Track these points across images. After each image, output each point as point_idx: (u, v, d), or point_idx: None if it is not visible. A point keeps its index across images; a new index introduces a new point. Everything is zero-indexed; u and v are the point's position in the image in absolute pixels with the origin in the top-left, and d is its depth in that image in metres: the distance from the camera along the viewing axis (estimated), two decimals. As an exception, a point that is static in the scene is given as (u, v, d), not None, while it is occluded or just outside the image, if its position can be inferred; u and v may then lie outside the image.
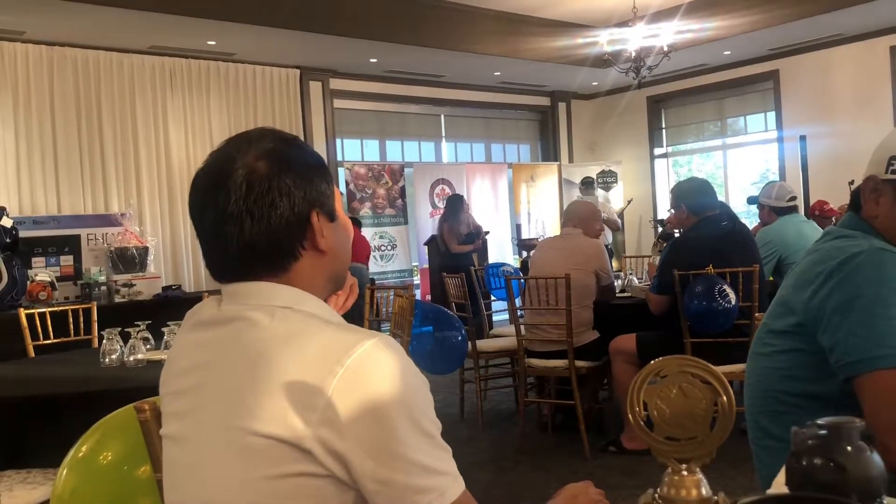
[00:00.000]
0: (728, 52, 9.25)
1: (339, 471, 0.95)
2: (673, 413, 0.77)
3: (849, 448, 0.73)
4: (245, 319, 1.04)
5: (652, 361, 0.79)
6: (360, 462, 0.94)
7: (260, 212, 1.05)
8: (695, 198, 4.12)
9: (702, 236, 4.03)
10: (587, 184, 9.28)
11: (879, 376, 1.37)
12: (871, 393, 1.39)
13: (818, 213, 6.01)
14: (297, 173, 1.09)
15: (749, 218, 7.09)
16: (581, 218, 4.63)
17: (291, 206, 1.07)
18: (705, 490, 0.74)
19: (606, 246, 8.78)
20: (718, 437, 0.75)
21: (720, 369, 3.18)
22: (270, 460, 0.95)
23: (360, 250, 7.39)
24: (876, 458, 0.73)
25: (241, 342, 1.03)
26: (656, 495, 0.76)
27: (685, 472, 0.74)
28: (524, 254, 8.43)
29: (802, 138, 8.98)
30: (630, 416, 0.78)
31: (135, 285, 6.03)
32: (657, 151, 10.99)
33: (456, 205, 8.01)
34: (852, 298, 1.43)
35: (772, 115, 9.75)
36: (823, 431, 0.74)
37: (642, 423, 0.77)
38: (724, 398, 0.76)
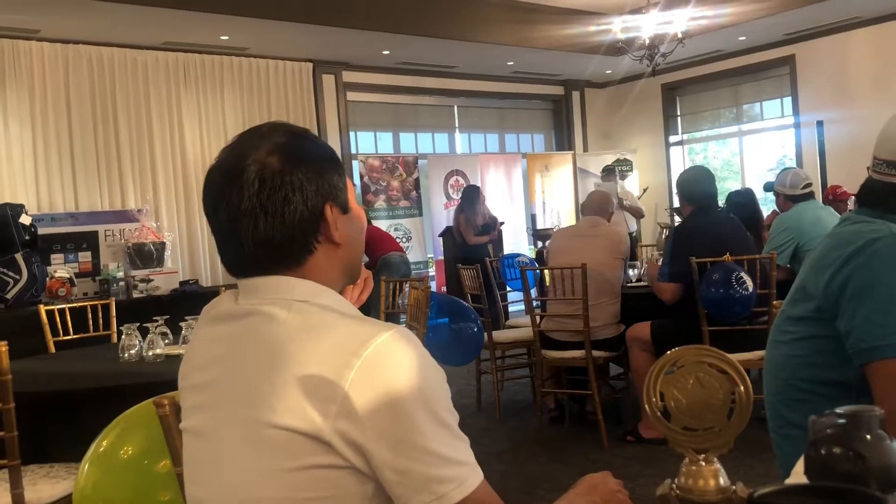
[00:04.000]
0: (743, 38, 9.16)
1: (359, 462, 0.95)
2: (689, 403, 0.76)
3: (868, 437, 0.72)
4: (262, 314, 1.05)
5: (668, 352, 0.79)
6: (378, 453, 0.94)
7: (273, 207, 1.05)
8: (687, 187, 4.21)
9: (703, 224, 4.06)
10: (608, 171, 9.18)
11: (892, 364, 1.36)
12: (882, 380, 1.37)
13: (832, 197, 5.95)
14: (310, 167, 1.09)
15: (766, 205, 7.03)
16: (605, 208, 4.72)
17: (305, 200, 1.07)
18: (723, 480, 0.74)
19: (631, 234, 8.77)
20: (736, 426, 0.74)
21: (737, 357, 3.16)
22: (290, 453, 0.95)
23: (388, 240, 7.42)
24: (896, 446, 0.72)
25: (258, 336, 1.03)
26: (674, 485, 0.76)
27: (703, 462, 0.74)
28: (539, 244, 8.40)
29: (819, 124, 8.89)
30: (647, 406, 0.78)
31: (152, 280, 6.07)
32: (672, 139, 10.92)
33: (472, 196, 7.99)
34: (870, 284, 1.41)
35: (788, 101, 9.66)
36: (842, 420, 0.74)
37: (659, 413, 0.77)
38: (742, 388, 0.75)
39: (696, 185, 4.18)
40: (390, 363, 0.96)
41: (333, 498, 0.97)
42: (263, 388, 0.98)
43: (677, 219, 9.76)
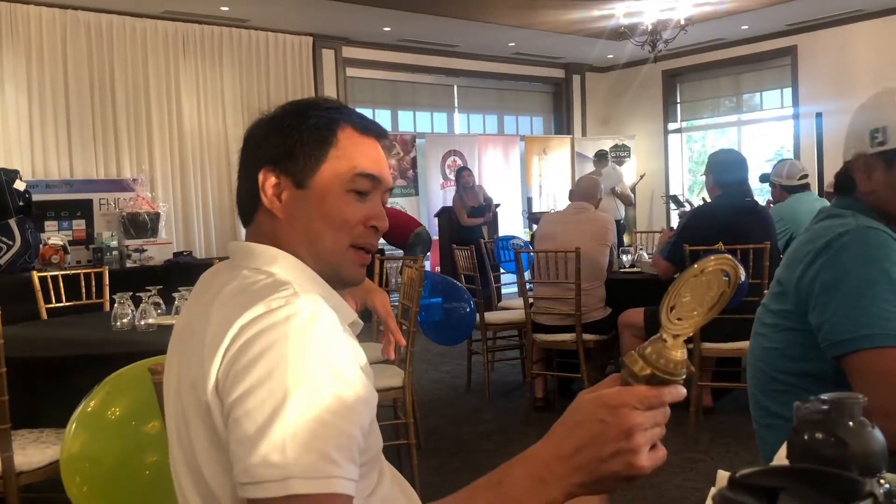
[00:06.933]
0: (746, 27, 9.13)
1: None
2: (692, 300, 0.81)
3: (850, 423, 0.73)
4: (214, 282, 1.06)
5: (697, 263, 0.81)
6: (230, 417, 0.89)
7: (240, 161, 1.14)
8: (721, 171, 4.14)
9: (721, 209, 4.05)
10: (601, 156, 9.21)
11: (865, 356, 1.38)
12: (857, 373, 1.39)
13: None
14: (273, 129, 1.10)
15: (761, 195, 7.04)
16: (592, 194, 4.71)
17: (250, 157, 1.11)
18: (683, 353, 0.80)
19: (619, 221, 8.80)
20: (711, 314, 0.80)
21: (729, 346, 3.20)
22: (199, 420, 0.95)
23: (409, 217, 7.91)
24: (877, 433, 0.74)
25: (200, 307, 1.03)
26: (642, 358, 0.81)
27: (672, 340, 0.80)
28: (534, 227, 8.42)
29: (818, 115, 8.88)
30: (664, 303, 0.81)
31: (146, 251, 6.06)
32: (671, 126, 10.91)
33: (457, 178, 8.11)
34: (839, 278, 1.43)
35: (788, 92, 9.65)
36: (825, 406, 0.75)
37: (668, 311, 0.81)
38: (728, 290, 0.80)
39: (729, 172, 4.10)
40: (275, 339, 0.89)
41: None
42: (191, 362, 0.97)
43: (672, 206, 9.77)
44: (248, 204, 1.11)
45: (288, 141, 1.08)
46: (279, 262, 1.05)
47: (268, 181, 1.08)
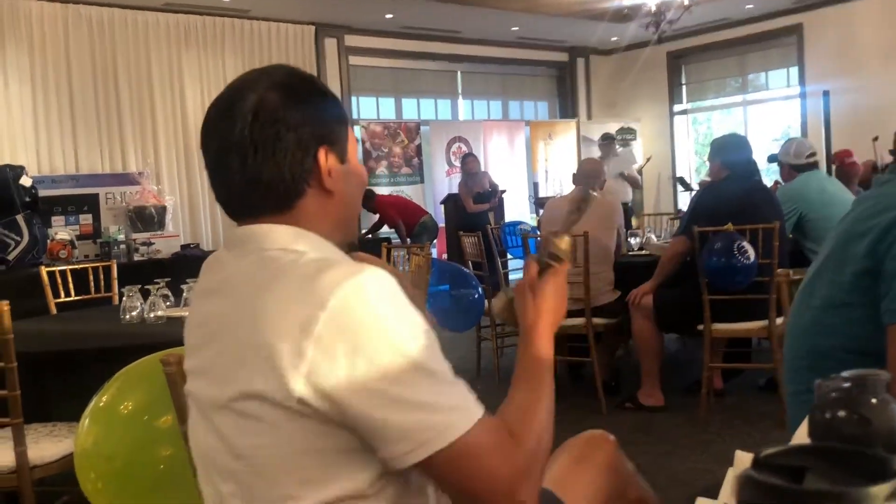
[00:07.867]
0: (751, 6, 9.05)
1: (335, 414, 0.92)
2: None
3: (873, 400, 0.72)
4: (238, 267, 1.03)
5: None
6: (355, 405, 0.91)
7: (263, 143, 1.02)
8: (729, 152, 4.17)
9: (729, 189, 4.04)
10: (607, 139, 9.07)
11: None
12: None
13: (837, 163, 5.81)
14: (309, 107, 1.06)
15: (769, 175, 6.99)
16: (596, 176, 4.67)
17: (298, 139, 1.03)
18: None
19: (627, 204, 8.74)
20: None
21: (739, 326, 3.18)
22: (263, 420, 0.93)
23: (416, 206, 8.06)
24: (901, 410, 0.72)
25: (231, 293, 1.01)
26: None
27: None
28: (541, 212, 8.39)
29: (826, 94, 8.81)
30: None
31: (153, 244, 6.07)
32: (677, 108, 10.84)
33: (461, 165, 8.15)
34: None
35: (794, 71, 9.57)
36: (847, 384, 0.74)
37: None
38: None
39: (735, 153, 4.16)
40: (359, 312, 0.91)
41: (310, 451, 0.95)
42: (239, 351, 0.96)
43: (680, 188, 9.72)
44: (287, 184, 1.04)
45: (331, 121, 1.09)
46: (303, 239, 1.04)
47: (325, 160, 1.06)
